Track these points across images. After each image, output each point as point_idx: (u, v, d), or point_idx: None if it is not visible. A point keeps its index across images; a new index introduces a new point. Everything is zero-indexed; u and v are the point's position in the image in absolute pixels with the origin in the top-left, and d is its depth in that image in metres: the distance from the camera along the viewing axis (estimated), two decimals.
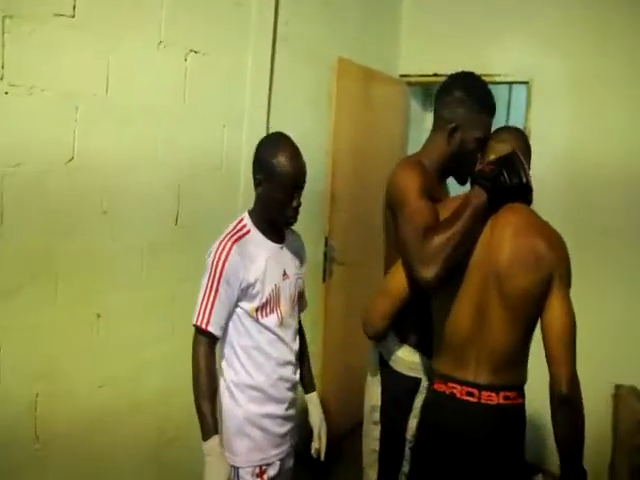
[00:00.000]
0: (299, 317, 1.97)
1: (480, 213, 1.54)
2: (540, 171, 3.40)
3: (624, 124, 3.19)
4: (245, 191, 2.62)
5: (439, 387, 1.64)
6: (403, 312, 1.74)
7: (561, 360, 1.47)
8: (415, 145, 4.22)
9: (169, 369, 2.32)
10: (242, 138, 2.61)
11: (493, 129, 1.79)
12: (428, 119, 4.46)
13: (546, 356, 1.50)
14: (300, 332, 1.99)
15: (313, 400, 2.00)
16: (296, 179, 1.73)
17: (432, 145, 1.83)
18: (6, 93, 1.74)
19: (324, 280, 3.23)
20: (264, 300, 1.75)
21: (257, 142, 2.61)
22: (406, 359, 1.85)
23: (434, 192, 1.71)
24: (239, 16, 2.54)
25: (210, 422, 1.65)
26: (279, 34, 2.81)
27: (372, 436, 1.93)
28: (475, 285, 1.56)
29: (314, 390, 2.02)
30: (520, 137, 1.73)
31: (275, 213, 1.76)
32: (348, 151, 3.30)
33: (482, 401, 1.55)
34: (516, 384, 1.59)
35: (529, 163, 1.70)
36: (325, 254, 3.21)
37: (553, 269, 1.50)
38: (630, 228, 3.16)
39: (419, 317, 1.77)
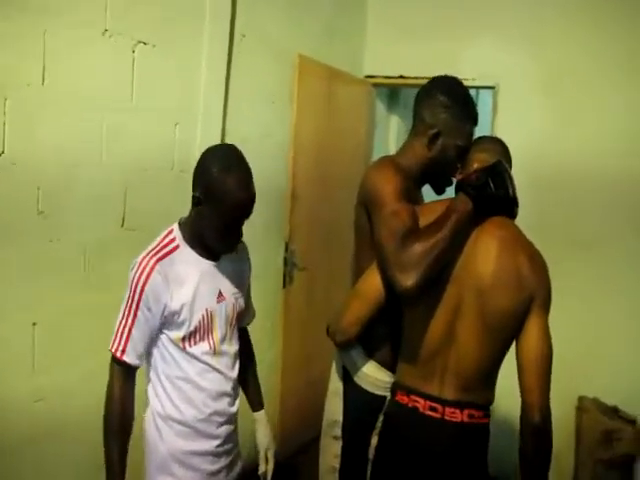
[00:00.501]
0: (247, 327, 1.83)
1: (465, 221, 1.47)
2: None
3: (594, 127, 3.17)
4: None
5: (401, 399, 1.57)
6: (371, 323, 1.63)
7: (535, 389, 1.42)
8: (380, 147, 4.14)
9: None
10: (196, 136, 2.47)
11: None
12: (393, 121, 4.39)
13: (520, 383, 1.45)
14: (247, 346, 1.82)
15: (260, 419, 1.81)
16: (244, 210, 1.48)
17: (410, 149, 1.73)
18: None
19: (284, 286, 3.10)
20: (192, 329, 1.51)
21: (211, 142, 2.54)
22: (372, 375, 1.74)
23: (411, 195, 1.62)
24: (193, 6, 2.41)
25: (117, 470, 1.44)
26: (237, 27, 2.69)
27: (331, 452, 1.83)
28: (452, 297, 1.49)
29: (262, 408, 1.83)
30: (502, 148, 1.67)
31: (212, 240, 1.51)
32: (310, 150, 3.19)
33: (445, 417, 1.49)
34: (483, 403, 1.53)
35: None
36: (285, 259, 3.09)
37: (534, 292, 1.46)
38: (599, 237, 3.14)
39: (389, 330, 1.67)
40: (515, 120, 3.36)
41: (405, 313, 1.59)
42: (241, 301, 1.68)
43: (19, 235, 1.85)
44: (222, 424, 1.62)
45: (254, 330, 2.91)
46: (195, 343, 1.53)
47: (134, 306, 1.47)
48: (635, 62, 3.08)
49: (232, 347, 1.64)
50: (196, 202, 1.49)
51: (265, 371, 3.04)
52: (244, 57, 2.75)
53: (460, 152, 1.68)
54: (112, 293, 2.12)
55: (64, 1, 1.90)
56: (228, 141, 2.67)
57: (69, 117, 1.96)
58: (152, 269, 1.46)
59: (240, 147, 2.68)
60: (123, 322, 1.48)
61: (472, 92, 4.57)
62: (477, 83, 3.51)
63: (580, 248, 3.13)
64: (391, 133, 4.37)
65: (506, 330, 1.47)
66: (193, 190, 1.50)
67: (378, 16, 3.82)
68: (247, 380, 1.80)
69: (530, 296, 1.45)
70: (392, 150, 4.36)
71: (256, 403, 1.83)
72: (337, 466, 1.81)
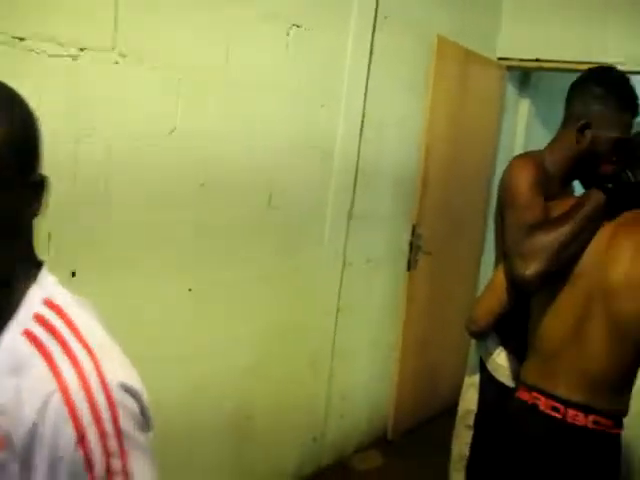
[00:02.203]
0: None
1: (594, 216, 1.41)
2: None
3: None
4: (338, 176, 2.56)
5: (522, 395, 1.53)
6: (509, 314, 1.64)
7: None
8: (507, 133, 4.02)
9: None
10: (339, 119, 2.53)
11: None
12: (523, 105, 4.23)
13: None
14: None
15: None
16: None
17: (558, 143, 1.68)
18: (116, 63, 1.71)
19: (408, 269, 3.12)
20: None
21: (353, 125, 2.58)
22: (504, 366, 1.75)
23: (551, 192, 1.59)
24: None
25: None
26: (380, 10, 2.69)
27: (463, 440, 1.86)
28: (579, 295, 1.43)
29: None
30: None
31: None
32: (442, 135, 3.15)
33: (567, 419, 1.42)
34: (612, 411, 1.43)
35: None
36: (411, 243, 3.10)
37: None
38: None
39: (523, 321, 1.65)
40: None
41: (532, 306, 1.55)
42: None
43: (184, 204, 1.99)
44: None
45: (375, 310, 3.00)
46: None
47: None
48: None
49: None
50: None
51: (384, 352, 3.12)
52: (386, 39, 2.75)
53: (616, 145, 1.58)
54: (253, 269, 2.28)
55: None
56: (367, 126, 2.71)
57: (230, 98, 2.07)
58: None
59: (377, 132, 2.75)
60: None
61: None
62: (626, 68, 3.29)
63: None
64: (519, 117, 4.22)
65: (635, 336, 1.37)
66: None
67: None
68: None
69: None
70: (520, 135, 4.22)
71: None
72: (467, 454, 1.84)
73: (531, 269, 1.39)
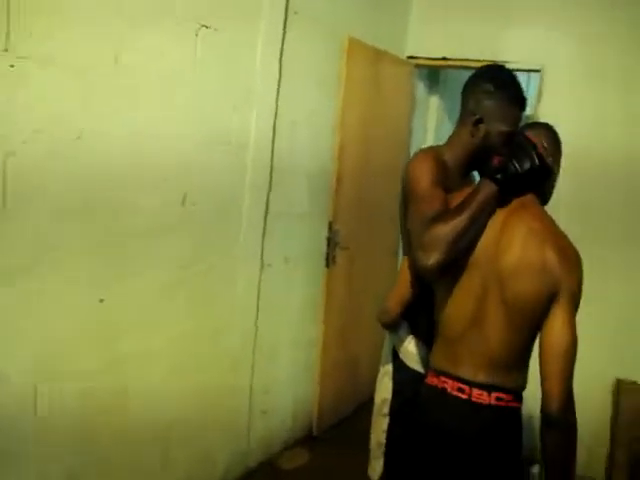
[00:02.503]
0: None
1: (488, 204, 1.50)
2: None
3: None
4: (253, 174, 2.55)
5: (431, 380, 1.60)
6: (416, 303, 1.75)
7: (555, 378, 1.39)
8: (419, 127, 4.15)
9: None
10: (252, 118, 2.52)
11: None
12: (433, 101, 4.38)
13: (540, 372, 1.43)
14: None
15: None
16: None
17: (456, 137, 1.77)
18: (12, 66, 1.63)
19: (327, 266, 3.16)
20: None
21: (265, 124, 2.58)
22: (414, 353, 1.83)
23: (451, 185, 1.66)
24: None
25: None
26: (290, 8, 2.70)
27: (380, 428, 1.92)
28: (476, 280, 1.51)
29: None
30: (550, 133, 1.66)
31: None
32: (355, 133, 3.21)
33: (473, 399, 1.50)
34: (512, 387, 1.52)
35: (559, 163, 1.64)
36: (328, 239, 3.14)
37: (560, 284, 1.42)
38: (632, 222, 3.14)
39: (430, 309, 1.72)
40: (560, 105, 3.32)
41: (436, 294, 1.63)
42: None
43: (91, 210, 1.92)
44: None
45: (296, 307, 3.02)
46: None
47: None
48: None
49: None
50: None
51: (306, 349, 3.15)
52: (296, 36, 2.75)
53: (506, 138, 1.66)
54: (168, 273, 2.24)
55: None
56: (280, 125, 2.71)
57: (137, 100, 2.01)
58: None
59: (290, 130, 2.77)
60: None
61: (523, 76, 4.63)
62: (522, 66, 3.46)
63: (616, 232, 3.15)
64: (430, 113, 4.36)
65: (529, 316, 1.45)
66: None
67: None
68: None
69: (555, 287, 1.41)
70: (430, 131, 4.36)
71: None
72: (384, 441, 1.90)
73: (432, 259, 1.44)
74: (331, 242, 3.14)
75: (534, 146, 1.51)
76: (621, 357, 3.12)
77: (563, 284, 1.42)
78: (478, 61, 3.30)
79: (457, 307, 1.54)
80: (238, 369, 2.67)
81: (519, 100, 1.68)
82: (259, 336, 2.77)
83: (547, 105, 3.38)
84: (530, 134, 1.61)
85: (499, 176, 1.50)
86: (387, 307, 1.80)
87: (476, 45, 3.58)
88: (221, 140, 2.40)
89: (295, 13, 2.74)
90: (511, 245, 1.47)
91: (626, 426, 3.00)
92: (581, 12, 3.27)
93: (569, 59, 3.32)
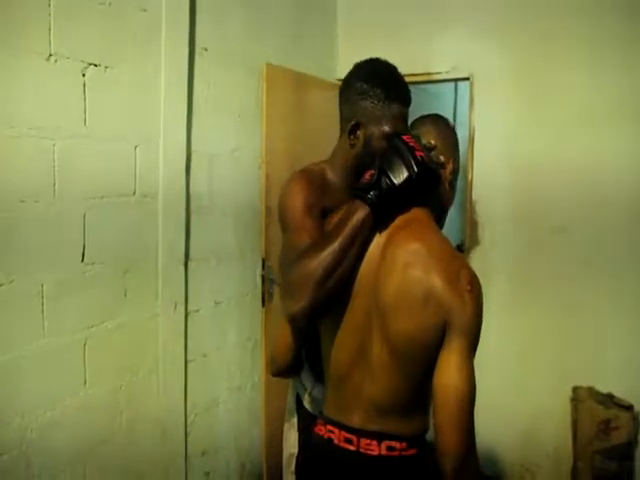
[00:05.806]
0: None
1: (363, 229, 1.27)
2: (486, 169, 3.32)
3: (567, 115, 3.12)
4: (165, 220, 2.36)
5: (319, 430, 1.40)
6: (315, 344, 1.49)
7: (449, 431, 1.15)
8: None
9: None
10: (159, 158, 2.35)
11: None
12: None
13: (433, 422, 1.20)
14: None
15: None
16: None
17: (338, 150, 1.55)
18: None
19: (263, 305, 2.99)
20: None
21: (175, 162, 2.41)
22: (318, 398, 1.63)
23: (336, 203, 1.44)
24: (147, 24, 2.27)
25: None
26: (198, 41, 2.56)
27: None
28: (359, 316, 1.30)
29: None
30: (443, 127, 1.47)
31: None
32: (283, 161, 3.06)
33: (361, 449, 1.30)
34: (406, 434, 1.30)
35: (457, 157, 1.44)
36: (263, 277, 2.97)
37: (451, 317, 1.17)
38: (581, 223, 3.05)
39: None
40: (491, 110, 3.30)
41: (321, 334, 1.42)
42: None
43: None
44: None
45: (234, 352, 2.83)
46: None
47: None
48: (609, 50, 3.00)
49: None
50: None
51: (249, 394, 2.95)
52: (207, 71, 2.62)
53: (390, 139, 1.42)
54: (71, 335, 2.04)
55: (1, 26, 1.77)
56: (196, 163, 2.55)
57: (13, 153, 1.83)
58: None
59: (210, 164, 2.60)
60: None
61: (451, 86, 4.58)
62: (452, 75, 3.45)
63: (564, 234, 3.04)
64: None
65: (418, 359, 1.23)
66: None
67: (347, 18, 3.71)
68: None
69: (444, 321, 1.18)
70: None
71: None
72: None
73: (296, 306, 1.25)
74: (266, 279, 2.97)
75: (412, 149, 1.27)
76: (577, 364, 3.00)
77: (454, 317, 1.17)
78: (412, 75, 3.23)
79: (341, 346, 1.34)
80: (168, 435, 2.43)
81: (399, 95, 1.44)
82: (190, 392, 2.56)
83: (479, 112, 3.34)
84: (413, 133, 1.39)
85: (371, 194, 1.27)
86: (274, 356, 1.55)
87: (406, 61, 3.46)
88: (124, 184, 2.21)
89: (205, 50, 2.60)
90: (391, 273, 1.25)
91: (586, 438, 2.86)
92: (507, 17, 3.26)
93: (498, 66, 3.29)
